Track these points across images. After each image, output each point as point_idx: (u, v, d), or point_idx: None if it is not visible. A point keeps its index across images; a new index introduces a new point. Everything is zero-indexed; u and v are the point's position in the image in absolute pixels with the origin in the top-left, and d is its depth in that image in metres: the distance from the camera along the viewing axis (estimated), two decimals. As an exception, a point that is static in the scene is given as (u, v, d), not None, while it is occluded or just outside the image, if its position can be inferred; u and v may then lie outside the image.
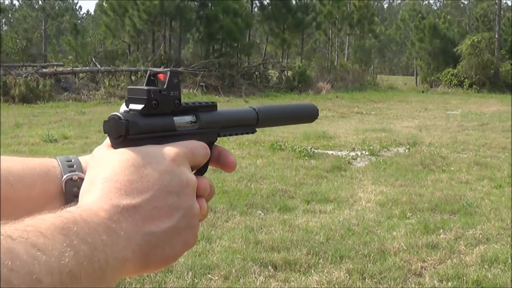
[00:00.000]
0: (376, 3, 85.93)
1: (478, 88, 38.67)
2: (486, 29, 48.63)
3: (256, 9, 38.61)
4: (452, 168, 10.10)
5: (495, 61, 39.86)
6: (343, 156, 11.16)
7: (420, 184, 8.82)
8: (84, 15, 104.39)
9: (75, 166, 0.79)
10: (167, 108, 0.76)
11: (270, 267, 5.14)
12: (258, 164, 10.13)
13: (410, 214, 7.10)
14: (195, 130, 0.80)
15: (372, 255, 5.47)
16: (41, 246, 0.53)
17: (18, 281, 0.49)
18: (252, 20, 36.80)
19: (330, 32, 43.33)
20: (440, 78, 41.05)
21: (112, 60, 32.34)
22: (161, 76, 0.77)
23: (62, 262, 0.54)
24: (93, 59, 30.44)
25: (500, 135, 15.02)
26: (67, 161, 0.79)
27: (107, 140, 0.75)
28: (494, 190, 8.53)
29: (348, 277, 4.97)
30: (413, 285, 4.86)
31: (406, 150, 12.03)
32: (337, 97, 29.22)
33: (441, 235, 6.24)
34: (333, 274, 5.00)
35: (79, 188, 0.74)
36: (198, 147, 0.77)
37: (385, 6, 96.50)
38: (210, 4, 34.29)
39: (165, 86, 0.75)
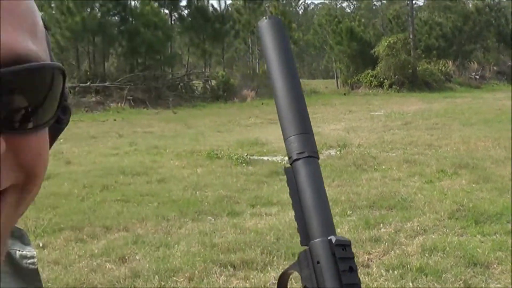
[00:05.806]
0: (292, 9, 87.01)
1: (398, 88, 39.49)
2: (400, 30, 49.87)
3: (175, 21, 38.66)
4: (383, 167, 10.62)
5: (412, 61, 40.86)
6: (279, 161, 11.51)
7: (355, 183, 9.28)
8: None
9: None
10: None
11: (229, 267, 5.47)
12: (199, 173, 10.41)
13: (351, 211, 7.54)
14: None
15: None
16: None
17: None
18: (172, 32, 36.96)
19: (250, 40, 43.86)
20: (361, 80, 41.77)
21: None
22: None
23: None
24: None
25: (425, 133, 15.72)
26: None
27: None
28: (426, 185, 9.08)
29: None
30: (362, 275, 5.26)
31: (338, 152, 12.50)
32: (262, 104, 29.64)
33: (382, 229, 6.70)
34: (289, 270, 5.36)
35: None
36: None
37: (300, 12, 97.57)
38: (131, 19, 34.28)
39: None
